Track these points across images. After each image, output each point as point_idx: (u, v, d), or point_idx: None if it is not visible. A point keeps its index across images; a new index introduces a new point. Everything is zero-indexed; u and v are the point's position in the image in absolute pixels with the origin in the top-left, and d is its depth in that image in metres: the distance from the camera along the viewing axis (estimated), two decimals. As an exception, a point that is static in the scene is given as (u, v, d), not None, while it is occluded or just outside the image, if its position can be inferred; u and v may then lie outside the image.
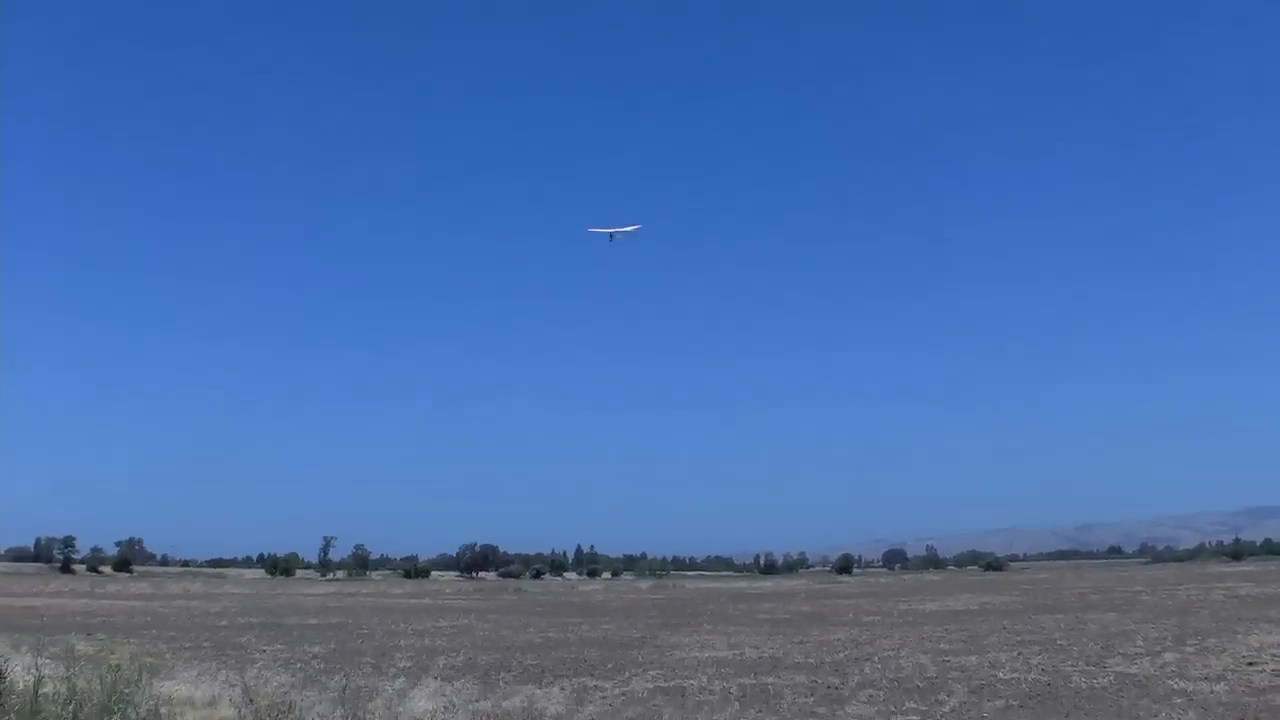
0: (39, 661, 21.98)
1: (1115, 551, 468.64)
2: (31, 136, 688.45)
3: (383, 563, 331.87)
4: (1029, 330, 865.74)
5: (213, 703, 25.85)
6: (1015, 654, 52.73)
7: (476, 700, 29.98)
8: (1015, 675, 43.73)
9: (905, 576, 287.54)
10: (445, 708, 27.73)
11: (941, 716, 33.26)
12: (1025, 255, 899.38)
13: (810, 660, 52.52)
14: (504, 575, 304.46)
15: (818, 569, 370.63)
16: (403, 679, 36.91)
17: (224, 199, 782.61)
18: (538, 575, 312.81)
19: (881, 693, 39.19)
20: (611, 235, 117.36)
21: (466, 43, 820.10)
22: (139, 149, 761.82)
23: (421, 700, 28.24)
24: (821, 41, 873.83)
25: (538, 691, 34.99)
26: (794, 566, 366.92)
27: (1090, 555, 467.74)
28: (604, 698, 38.25)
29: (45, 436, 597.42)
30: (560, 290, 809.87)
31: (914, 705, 35.91)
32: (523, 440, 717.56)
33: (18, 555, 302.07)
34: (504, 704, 28.51)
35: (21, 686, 21.63)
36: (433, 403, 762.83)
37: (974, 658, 51.38)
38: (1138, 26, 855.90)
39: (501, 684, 39.67)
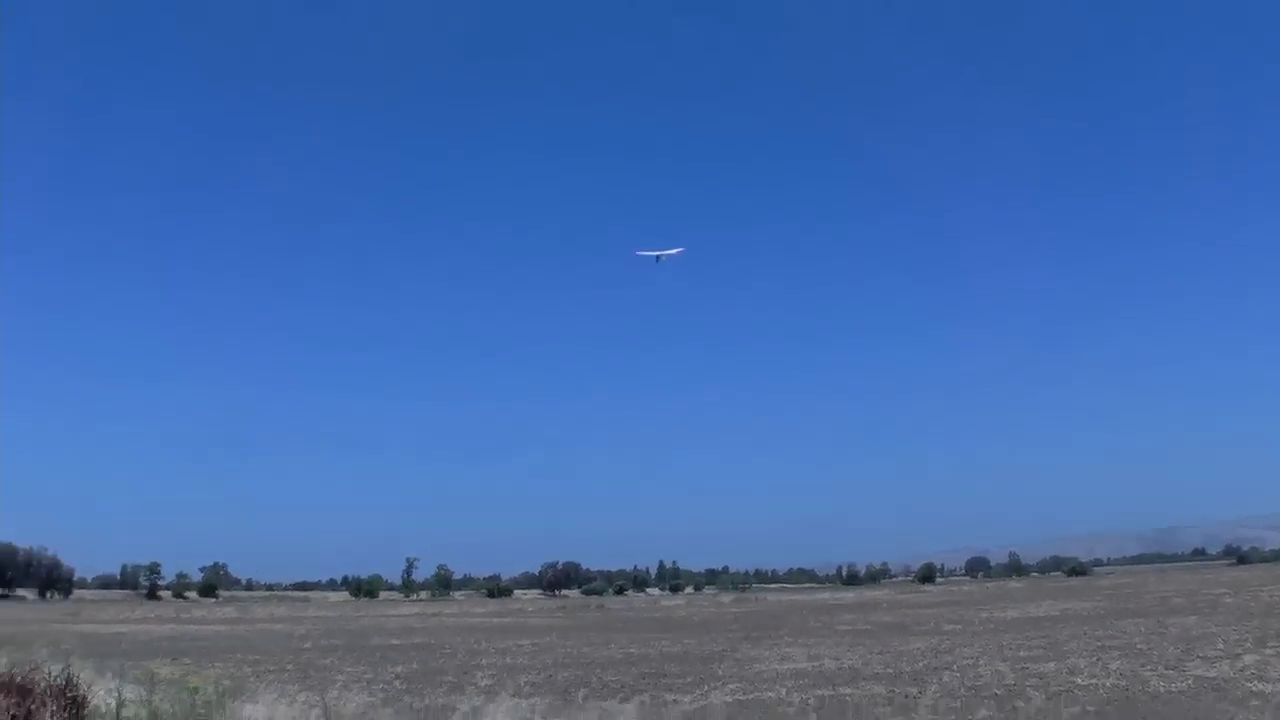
0: (121, 685, 22.54)
1: (1200, 554, 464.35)
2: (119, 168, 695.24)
3: (466, 583, 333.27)
4: (1112, 334, 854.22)
5: (293, 723, 26.36)
6: (1094, 659, 52.59)
7: (551, 716, 30.35)
8: (1093, 681, 43.66)
9: (988, 584, 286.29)
10: (519, 723, 28.16)
11: (1016, 724, 33.35)
12: (1097, 259, 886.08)
13: (889, 670, 52.54)
14: (587, 593, 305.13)
15: (900, 579, 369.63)
16: (481, 697, 37.33)
17: (292, 219, 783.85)
18: (620, 592, 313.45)
19: (958, 701, 39.26)
20: (658, 257, 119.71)
21: (514, 68, 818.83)
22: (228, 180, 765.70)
23: (497, 717, 28.62)
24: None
25: (614, 706, 35.33)
26: (876, 577, 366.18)
27: (1175, 558, 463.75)
28: (682, 711, 38.53)
29: (130, 465, 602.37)
30: (629, 310, 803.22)
31: (989, 713, 35.97)
32: (604, 458, 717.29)
33: (105, 583, 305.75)
34: (580, 718, 28.88)
35: (105, 709, 22.23)
36: (512, 422, 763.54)
37: (1052, 664, 51.25)
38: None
39: (580, 700, 40.03)
